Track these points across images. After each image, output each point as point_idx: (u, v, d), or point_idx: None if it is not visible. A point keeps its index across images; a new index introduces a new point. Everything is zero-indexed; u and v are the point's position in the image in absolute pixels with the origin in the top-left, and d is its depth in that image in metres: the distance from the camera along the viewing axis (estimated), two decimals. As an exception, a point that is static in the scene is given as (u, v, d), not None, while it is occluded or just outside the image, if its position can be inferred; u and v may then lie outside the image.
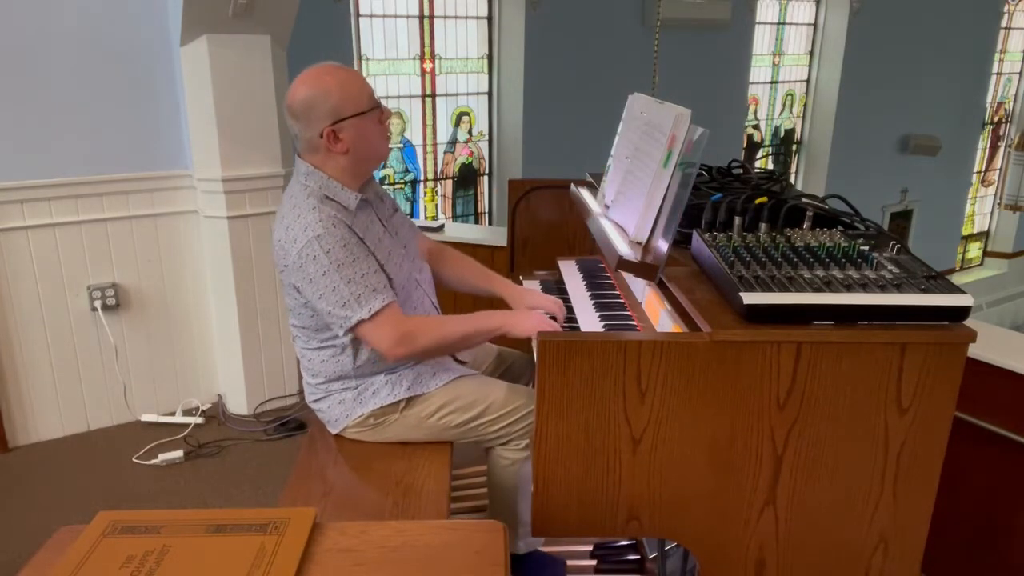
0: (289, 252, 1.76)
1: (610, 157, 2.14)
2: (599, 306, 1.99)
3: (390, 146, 1.94)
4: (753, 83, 6.94)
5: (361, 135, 1.79)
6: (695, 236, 1.59)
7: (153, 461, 3.01)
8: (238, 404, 3.40)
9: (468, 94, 5.48)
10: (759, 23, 6.72)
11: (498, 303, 2.14)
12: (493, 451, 1.96)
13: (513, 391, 1.92)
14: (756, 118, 7.23)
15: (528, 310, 1.91)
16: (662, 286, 1.63)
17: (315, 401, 1.99)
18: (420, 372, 1.92)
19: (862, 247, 1.47)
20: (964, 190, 8.82)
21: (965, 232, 9.12)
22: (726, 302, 1.37)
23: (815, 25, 7.22)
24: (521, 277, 2.44)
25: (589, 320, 1.92)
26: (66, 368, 3.15)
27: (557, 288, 2.31)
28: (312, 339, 1.90)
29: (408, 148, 5.32)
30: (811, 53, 7.31)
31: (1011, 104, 9.05)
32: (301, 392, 3.42)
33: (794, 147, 7.63)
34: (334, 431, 1.97)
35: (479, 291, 2.21)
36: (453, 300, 2.30)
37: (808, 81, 7.43)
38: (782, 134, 7.52)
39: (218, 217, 3.12)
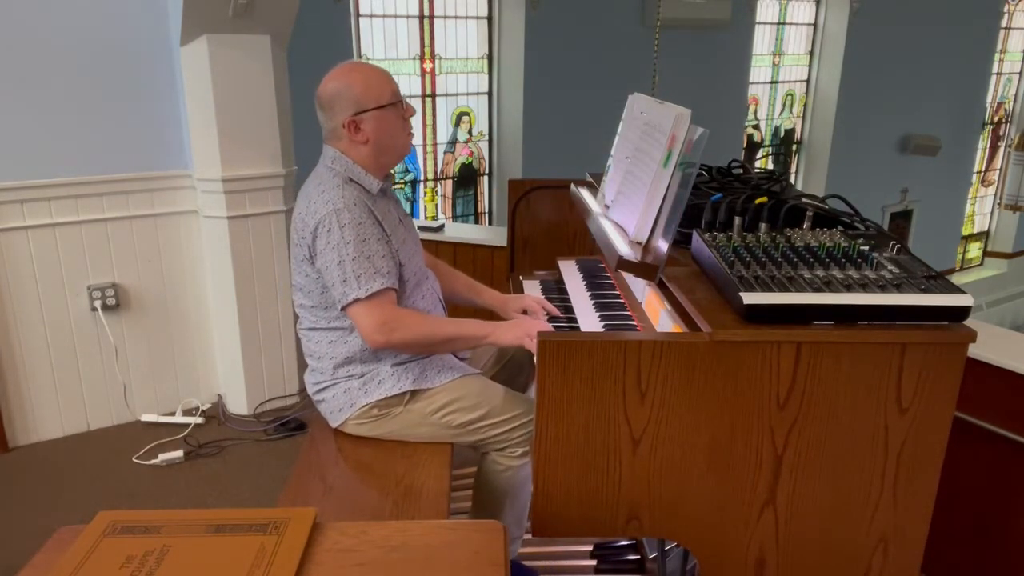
0: (308, 223, 1.82)
1: (610, 157, 2.14)
2: (599, 306, 2.00)
3: (412, 143, 2.00)
4: (753, 83, 6.94)
5: (381, 127, 1.87)
6: (695, 236, 1.59)
7: (153, 461, 3.01)
8: (238, 404, 3.40)
9: (468, 94, 5.48)
10: (759, 23, 6.72)
11: (488, 313, 2.18)
12: (488, 456, 1.97)
13: (514, 398, 1.94)
14: (756, 118, 7.23)
15: (517, 321, 1.93)
16: (662, 286, 1.63)
17: (319, 391, 1.99)
18: (425, 367, 1.94)
19: (862, 247, 1.47)
20: (964, 190, 8.82)
21: (965, 232, 9.12)
22: (726, 302, 1.37)
23: (815, 25, 7.22)
24: (521, 277, 2.44)
25: (589, 320, 1.92)
26: (66, 368, 3.15)
27: (557, 288, 2.31)
28: (320, 319, 1.92)
29: (408, 148, 5.32)
30: (811, 53, 7.31)
31: (1011, 104, 9.05)
32: (301, 391, 3.43)
33: (794, 147, 7.63)
34: (336, 423, 1.97)
35: (467, 303, 2.25)
36: (452, 309, 2.31)
37: (808, 81, 7.43)
38: (782, 134, 7.53)
39: (218, 217, 3.12)
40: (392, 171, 2.01)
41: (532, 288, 2.34)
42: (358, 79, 1.84)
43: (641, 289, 1.90)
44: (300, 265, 1.90)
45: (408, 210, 5.38)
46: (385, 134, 1.88)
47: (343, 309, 1.82)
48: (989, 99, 8.62)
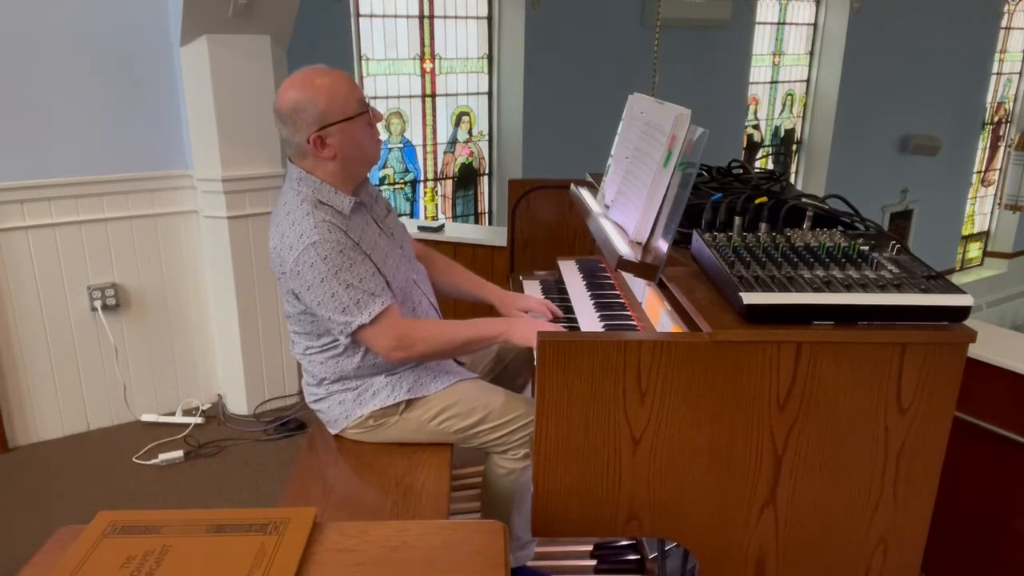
0: (286, 260, 1.75)
1: (610, 157, 2.14)
2: (599, 306, 1.99)
3: (389, 146, 1.94)
4: (753, 83, 6.94)
5: (349, 141, 1.78)
6: (695, 236, 1.59)
7: (153, 461, 3.01)
8: (238, 404, 3.40)
9: (468, 94, 5.48)
10: (759, 23, 6.72)
11: (487, 307, 2.15)
12: (491, 459, 1.96)
13: (513, 400, 1.91)
14: (756, 118, 7.23)
15: (530, 320, 1.91)
16: (662, 286, 1.63)
17: (315, 402, 1.99)
18: (420, 375, 1.92)
19: (862, 247, 1.47)
20: (964, 190, 8.82)
21: (965, 232, 9.12)
22: (726, 302, 1.37)
23: (815, 25, 7.22)
24: (521, 277, 2.44)
25: (589, 320, 1.92)
26: (66, 368, 3.15)
27: (557, 288, 2.31)
28: (312, 344, 1.90)
29: (408, 148, 5.32)
30: (811, 53, 7.31)
31: (1011, 104, 9.04)
32: (301, 392, 3.42)
33: (794, 147, 7.63)
34: (334, 431, 1.97)
35: (467, 296, 2.22)
36: (453, 304, 2.31)
37: (808, 81, 7.43)
38: (782, 134, 7.53)
39: (218, 217, 3.12)
40: (366, 176, 1.93)
41: (532, 288, 2.34)
42: (321, 90, 1.73)
43: (641, 289, 1.90)
44: (286, 296, 1.86)
45: (408, 211, 5.38)
46: (353, 147, 1.78)
47: (349, 336, 1.79)
48: (989, 99, 8.62)
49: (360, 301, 1.74)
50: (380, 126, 1.92)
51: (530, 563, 2.16)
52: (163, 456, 3.02)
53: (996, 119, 8.95)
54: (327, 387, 1.94)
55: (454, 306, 2.44)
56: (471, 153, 5.65)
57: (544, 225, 2.73)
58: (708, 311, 1.35)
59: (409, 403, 1.90)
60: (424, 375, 1.92)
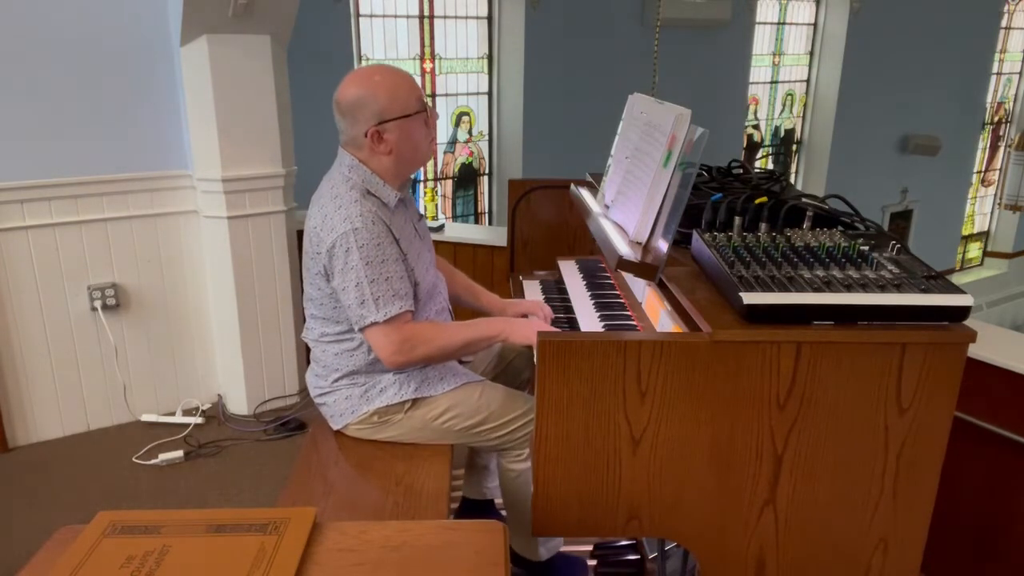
0: (324, 240, 1.77)
1: (610, 157, 2.14)
2: (599, 306, 2.00)
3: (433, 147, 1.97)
4: (753, 83, 6.94)
5: (405, 137, 1.82)
6: (695, 236, 1.59)
7: (153, 461, 3.01)
8: (238, 404, 3.40)
9: (468, 94, 5.48)
10: (759, 23, 6.72)
11: (488, 314, 2.17)
12: (500, 463, 1.98)
13: (515, 399, 1.94)
14: (756, 118, 7.23)
15: (529, 321, 1.92)
16: (662, 286, 1.63)
17: (320, 395, 1.99)
18: (428, 374, 1.93)
19: (862, 247, 1.47)
20: (964, 190, 8.82)
21: (965, 232, 9.12)
22: (726, 302, 1.37)
23: (815, 25, 7.22)
24: (521, 277, 2.44)
25: (589, 320, 1.92)
26: (66, 368, 3.15)
27: (557, 288, 2.31)
28: (329, 331, 1.91)
29: (408, 148, 5.32)
30: (811, 53, 7.32)
31: (1011, 104, 9.05)
32: (301, 391, 3.43)
33: (794, 147, 7.63)
34: (336, 427, 1.98)
35: (465, 304, 2.24)
36: (452, 307, 2.32)
37: (808, 81, 7.43)
38: (782, 134, 7.53)
39: (218, 217, 3.12)
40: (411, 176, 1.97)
41: (532, 288, 2.34)
42: (383, 87, 1.78)
43: (641, 289, 1.90)
44: (314, 278, 1.87)
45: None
46: (408, 144, 1.83)
47: (360, 331, 1.81)
48: (989, 99, 8.62)
49: (380, 299, 1.75)
50: None
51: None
52: (163, 456, 3.02)
53: (996, 119, 8.96)
54: (334, 381, 1.94)
55: (459, 309, 2.45)
56: (471, 153, 5.65)
57: (544, 225, 2.73)
58: (708, 311, 1.35)
59: (415, 402, 1.92)
60: (432, 375, 1.94)
